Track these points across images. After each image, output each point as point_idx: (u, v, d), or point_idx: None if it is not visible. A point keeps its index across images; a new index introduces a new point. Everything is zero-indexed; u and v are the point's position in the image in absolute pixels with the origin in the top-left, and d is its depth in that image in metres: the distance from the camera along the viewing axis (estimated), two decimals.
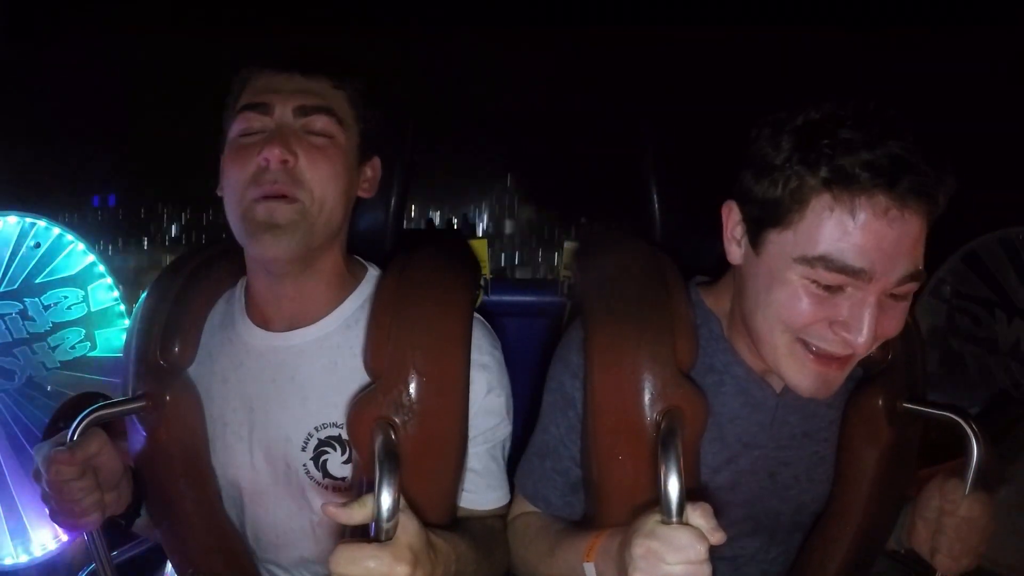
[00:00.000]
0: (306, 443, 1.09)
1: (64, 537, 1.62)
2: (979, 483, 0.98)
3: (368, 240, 1.27)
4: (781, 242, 0.92)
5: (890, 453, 1.07)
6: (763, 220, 0.94)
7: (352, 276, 1.16)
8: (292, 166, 1.03)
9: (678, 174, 1.28)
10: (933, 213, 0.90)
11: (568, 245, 1.39)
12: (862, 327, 0.89)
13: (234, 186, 1.05)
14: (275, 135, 1.04)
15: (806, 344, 0.94)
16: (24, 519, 1.61)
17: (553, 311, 1.41)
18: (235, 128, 1.08)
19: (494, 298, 1.34)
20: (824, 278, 0.89)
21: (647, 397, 0.98)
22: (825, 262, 0.88)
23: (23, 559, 1.62)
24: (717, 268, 1.14)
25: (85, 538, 1.07)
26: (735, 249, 1.01)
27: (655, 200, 1.37)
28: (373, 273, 1.18)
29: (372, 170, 1.17)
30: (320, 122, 1.07)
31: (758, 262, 0.96)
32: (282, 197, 1.03)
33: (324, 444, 1.08)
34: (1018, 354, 1.67)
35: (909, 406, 1.06)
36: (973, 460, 0.98)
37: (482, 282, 1.29)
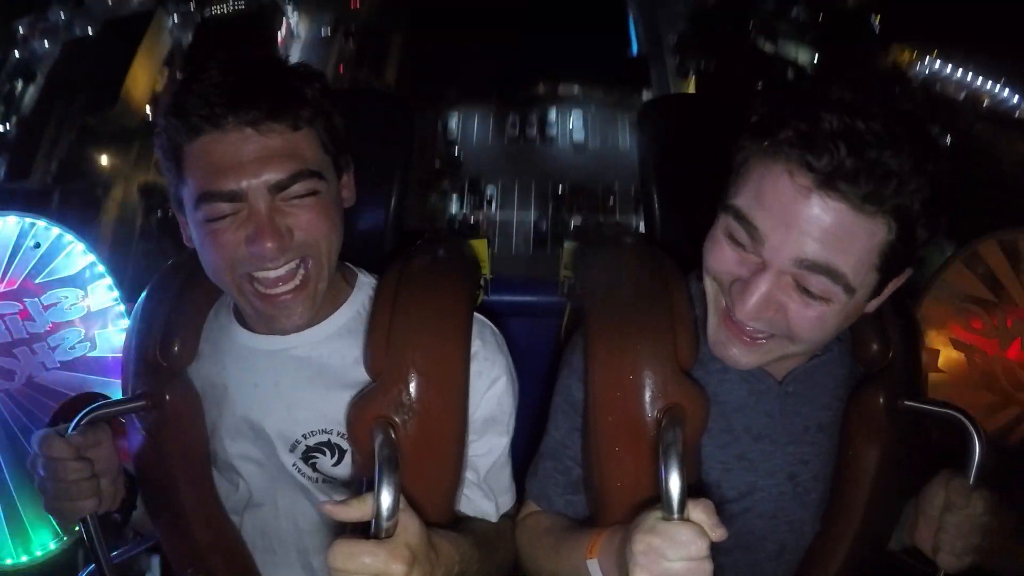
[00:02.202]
0: (293, 449, 1.09)
1: (64, 537, 1.62)
2: (981, 480, 0.98)
3: (368, 240, 1.27)
4: None
5: (891, 451, 1.07)
6: None
7: (344, 286, 1.14)
8: (288, 244, 0.98)
9: (678, 173, 1.28)
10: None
11: (568, 245, 1.38)
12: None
13: (218, 265, 1.00)
14: (261, 227, 0.96)
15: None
16: (24, 519, 1.61)
17: (553, 311, 1.41)
18: (199, 213, 0.98)
19: (494, 298, 1.33)
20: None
21: (648, 395, 0.98)
22: None
23: (23, 559, 1.62)
24: None
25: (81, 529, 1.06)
26: None
27: (655, 200, 1.37)
28: (364, 280, 1.16)
29: (347, 177, 1.09)
30: (300, 187, 0.98)
31: None
32: (288, 292, 1.00)
33: (313, 450, 1.08)
34: (1018, 355, 1.67)
35: (910, 404, 1.06)
36: (975, 457, 0.98)
37: (482, 282, 1.29)
